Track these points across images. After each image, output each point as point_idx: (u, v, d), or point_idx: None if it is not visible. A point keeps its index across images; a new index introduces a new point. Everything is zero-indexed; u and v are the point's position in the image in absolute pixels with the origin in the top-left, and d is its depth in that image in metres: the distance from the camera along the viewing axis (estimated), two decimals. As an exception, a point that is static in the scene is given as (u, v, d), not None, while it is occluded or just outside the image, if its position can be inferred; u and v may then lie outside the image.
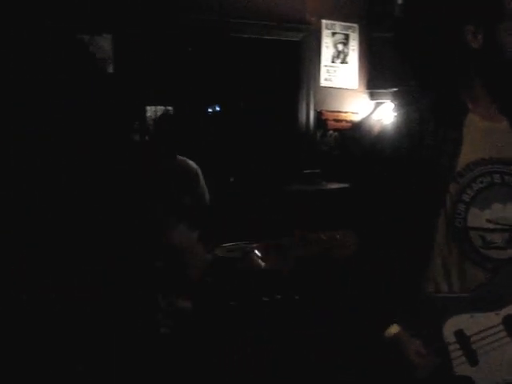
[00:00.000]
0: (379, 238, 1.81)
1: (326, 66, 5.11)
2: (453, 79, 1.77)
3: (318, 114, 5.17)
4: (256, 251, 1.70)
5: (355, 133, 5.22)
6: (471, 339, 1.68)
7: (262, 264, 1.67)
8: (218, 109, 6.44)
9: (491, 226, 1.68)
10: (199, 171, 4.51)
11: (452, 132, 1.71)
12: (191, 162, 4.49)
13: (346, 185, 4.06)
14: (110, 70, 4.38)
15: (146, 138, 4.56)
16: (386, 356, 1.79)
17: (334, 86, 5.18)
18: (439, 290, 1.73)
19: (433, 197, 1.70)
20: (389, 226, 1.79)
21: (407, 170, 1.74)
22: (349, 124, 5.26)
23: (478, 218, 1.69)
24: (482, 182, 1.69)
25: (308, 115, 5.17)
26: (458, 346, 1.68)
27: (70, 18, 4.19)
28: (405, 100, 4.44)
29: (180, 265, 2.06)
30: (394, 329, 1.75)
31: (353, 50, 5.18)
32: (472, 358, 1.67)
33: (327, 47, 5.09)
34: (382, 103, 5.15)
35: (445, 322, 1.69)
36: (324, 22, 5.07)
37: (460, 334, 1.68)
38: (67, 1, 4.16)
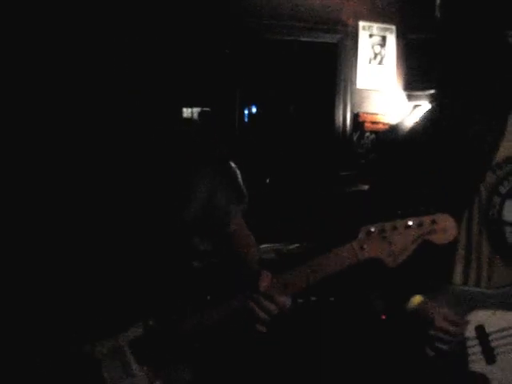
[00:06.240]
0: None
1: (362, 67, 5.10)
2: (492, 81, 1.75)
3: (355, 116, 5.16)
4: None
5: (392, 135, 5.17)
6: (491, 336, 1.65)
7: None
8: (254, 110, 6.45)
9: None
10: (237, 171, 4.54)
11: (495, 123, 1.69)
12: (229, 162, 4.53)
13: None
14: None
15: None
16: (408, 331, 1.71)
17: (370, 88, 5.15)
18: (467, 282, 1.69)
19: (468, 183, 1.67)
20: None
21: (446, 157, 1.71)
22: (386, 126, 5.22)
23: None
24: None
25: (345, 117, 5.15)
26: (476, 341, 1.65)
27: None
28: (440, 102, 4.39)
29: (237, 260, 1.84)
30: (417, 299, 1.68)
31: (390, 51, 5.14)
32: (489, 356, 1.63)
33: (364, 49, 5.07)
34: (419, 105, 5.10)
35: (466, 316, 1.66)
36: (361, 23, 5.05)
37: (480, 330, 1.65)
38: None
